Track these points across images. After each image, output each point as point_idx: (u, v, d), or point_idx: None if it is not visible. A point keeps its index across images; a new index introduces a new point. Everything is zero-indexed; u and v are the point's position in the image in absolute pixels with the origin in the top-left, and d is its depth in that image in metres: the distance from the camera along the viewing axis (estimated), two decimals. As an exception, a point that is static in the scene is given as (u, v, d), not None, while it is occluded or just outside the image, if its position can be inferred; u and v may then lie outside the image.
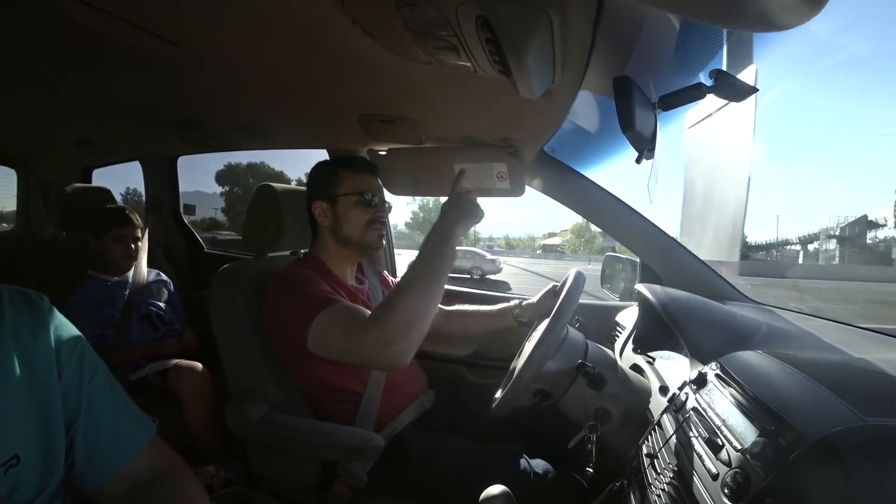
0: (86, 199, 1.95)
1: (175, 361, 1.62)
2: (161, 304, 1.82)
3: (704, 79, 0.68)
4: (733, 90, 0.66)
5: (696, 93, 0.68)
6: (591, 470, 0.93)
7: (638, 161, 0.74)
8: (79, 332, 0.62)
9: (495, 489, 0.77)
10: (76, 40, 0.92)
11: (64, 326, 0.60)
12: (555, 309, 0.99)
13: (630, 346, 1.27)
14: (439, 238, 1.01)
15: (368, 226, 1.16)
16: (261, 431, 1.05)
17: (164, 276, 1.92)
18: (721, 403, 0.71)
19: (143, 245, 1.84)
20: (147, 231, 1.91)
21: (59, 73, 1.16)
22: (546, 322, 1.00)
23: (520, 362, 1.04)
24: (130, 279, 1.76)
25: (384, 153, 1.49)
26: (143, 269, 1.81)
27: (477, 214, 1.07)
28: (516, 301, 1.35)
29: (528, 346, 1.03)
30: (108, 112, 1.59)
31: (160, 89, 1.29)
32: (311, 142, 1.67)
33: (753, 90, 0.66)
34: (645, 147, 0.69)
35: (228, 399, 1.11)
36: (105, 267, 1.74)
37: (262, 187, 1.28)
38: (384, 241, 1.22)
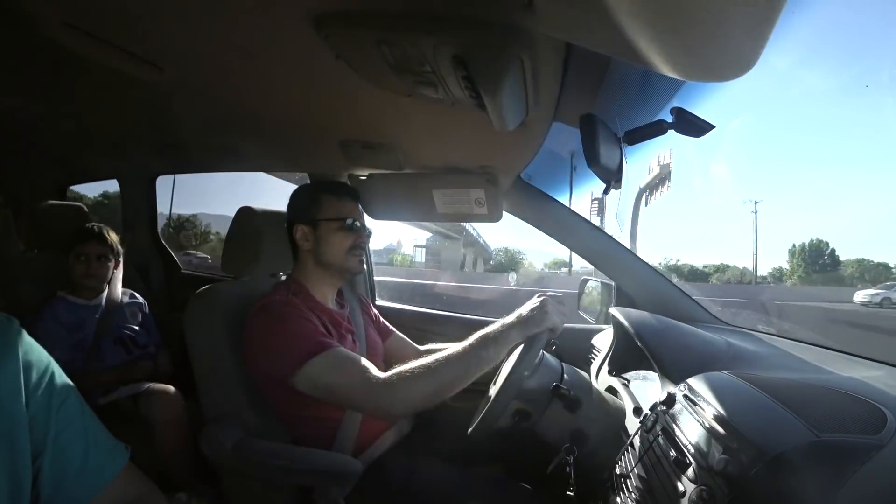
0: (59, 217, 1.90)
1: (147, 385, 1.57)
2: (135, 328, 1.77)
3: (665, 115, 0.74)
4: (691, 127, 0.71)
5: (658, 129, 0.73)
6: (571, 493, 0.94)
7: (605, 192, 0.78)
8: (49, 357, 0.60)
9: None
10: (58, 60, 0.93)
11: (33, 351, 0.58)
12: (528, 334, 1.01)
13: (605, 368, 1.29)
14: (490, 337, 0.95)
15: (349, 251, 1.17)
16: (235, 457, 1.03)
17: (139, 298, 1.87)
18: (688, 423, 0.73)
19: (119, 267, 1.80)
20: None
21: (39, 91, 1.15)
22: (520, 348, 1.02)
23: (494, 389, 1.06)
24: (103, 302, 1.71)
25: (364, 178, 1.52)
26: (117, 290, 1.76)
27: (544, 324, 0.95)
28: None
29: (504, 373, 1.05)
30: (87, 130, 1.58)
31: (141, 110, 1.29)
32: (292, 165, 1.68)
33: (710, 127, 0.71)
34: (612, 179, 0.74)
35: (202, 424, 1.09)
36: (75, 288, 1.68)
37: (243, 210, 1.28)
38: (364, 266, 1.23)
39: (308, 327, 1.02)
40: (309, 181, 1.67)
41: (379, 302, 1.90)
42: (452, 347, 0.96)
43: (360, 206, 1.26)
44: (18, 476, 0.53)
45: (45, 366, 0.58)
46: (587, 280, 1.64)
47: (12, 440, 0.53)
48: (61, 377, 0.60)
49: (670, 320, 1.23)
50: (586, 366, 1.39)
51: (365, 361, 0.99)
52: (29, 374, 0.56)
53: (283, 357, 0.98)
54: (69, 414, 0.59)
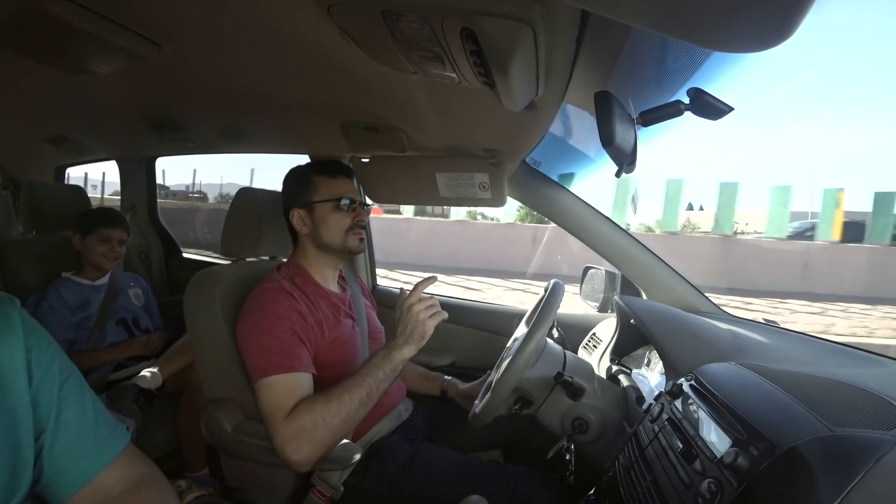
0: (58, 199, 1.89)
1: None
2: (138, 309, 1.77)
3: (682, 96, 0.71)
4: (709, 109, 0.68)
5: (674, 110, 0.70)
6: (571, 479, 0.94)
7: (617, 175, 0.75)
8: (51, 337, 0.60)
9: (473, 499, 0.77)
10: (53, 35, 0.90)
11: (36, 331, 0.58)
12: (533, 320, 1.00)
13: (608, 356, 1.28)
14: (388, 366, 0.97)
15: (349, 231, 1.14)
16: (235, 440, 1.02)
17: (141, 280, 1.88)
18: (695, 414, 0.72)
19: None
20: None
21: (34, 69, 1.12)
22: (525, 332, 1.01)
23: (497, 374, 1.05)
24: (106, 283, 1.71)
25: (367, 160, 1.49)
26: (119, 272, 1.77)
27: (426, 335, 0.97)
28: (449, 378, 1.39)
29: (507, 358, 1.04)
30: (84, 110, 1.55)
31: (140, 89, 1.26)
32: (293, 147, 1.66)
33: (729, 109, 0.69)
34: (625, 161, 0.71)
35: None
36: (82, 269, 1.69)
37: (242, 191, 1.26)
38: (364, 245, 1.20)
39: (281, 341, 0.99)
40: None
41: (381, 286, 1.89)
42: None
43: (354, 184, 1.22)
44: (21, 454, 0.53)
45: (47, 345, 0.59)
46: (590, 267, 1.62)
47: (15, 418, 0.53)
48: (63, 357, 0.60)
49: (676, 310, 1.22)
50: (588, 353, 1.38)
51: (299, 393, 0.96)
52: (31, 354, 0.56)
53: (250, 362, 0.99)
54: (71, 393, 0.59)
